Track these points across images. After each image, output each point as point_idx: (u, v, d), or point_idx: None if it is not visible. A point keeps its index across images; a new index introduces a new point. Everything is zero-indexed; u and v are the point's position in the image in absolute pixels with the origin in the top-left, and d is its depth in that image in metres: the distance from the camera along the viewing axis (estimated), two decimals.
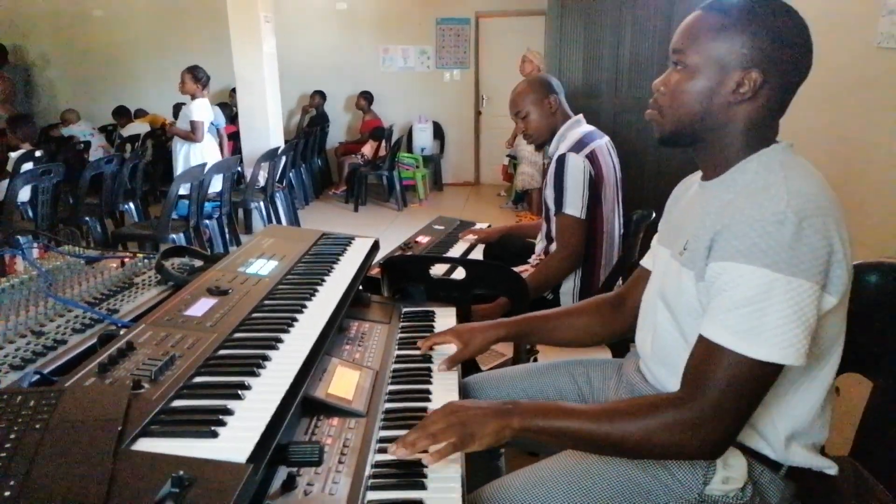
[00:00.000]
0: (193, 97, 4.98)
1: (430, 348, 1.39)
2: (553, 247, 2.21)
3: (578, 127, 2.21)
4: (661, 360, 1.16)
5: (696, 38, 1.03)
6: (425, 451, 1.00)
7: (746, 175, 1.02)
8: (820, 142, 2.35)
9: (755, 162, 1.02)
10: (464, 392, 1.32)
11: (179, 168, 5.01)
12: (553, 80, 2.30)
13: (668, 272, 1.12)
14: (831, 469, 1.07)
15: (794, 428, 1.04)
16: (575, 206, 2.08)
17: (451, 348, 1.38)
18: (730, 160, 1.05)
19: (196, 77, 4.98)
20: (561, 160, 2.09)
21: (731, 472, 1.03)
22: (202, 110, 4.98)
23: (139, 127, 7.37)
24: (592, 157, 2.11)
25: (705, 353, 0.96)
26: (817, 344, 0.98)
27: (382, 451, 1.05)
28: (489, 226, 2.85)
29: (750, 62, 1.00)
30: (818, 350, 1.00)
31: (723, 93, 1.02)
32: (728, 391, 0.94)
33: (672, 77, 1.07)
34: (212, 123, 5.92)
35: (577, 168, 2.07)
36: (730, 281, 0.93)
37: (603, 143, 2.21)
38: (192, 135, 4.94)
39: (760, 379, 0.94)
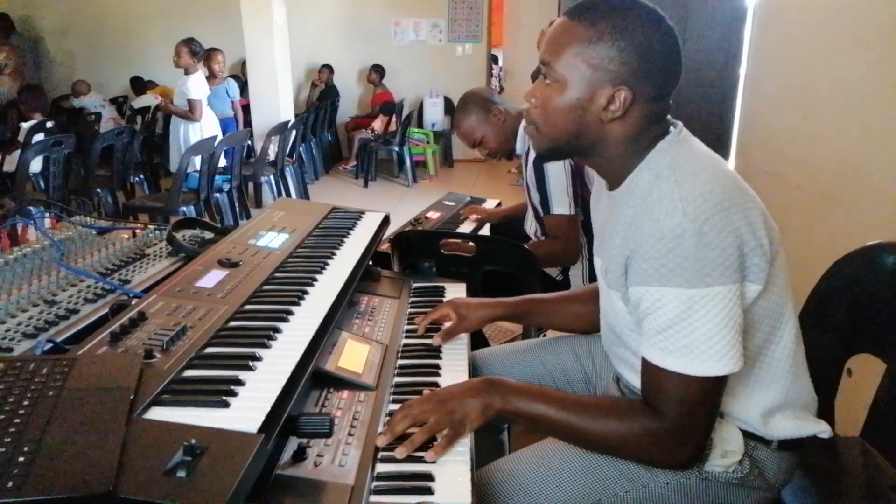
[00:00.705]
0: (187, 71, 4.77)
1: (428, 327, 1.38)
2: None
3: None
4: (625, 365, 1.17)
5: (561, 50, 0.99)
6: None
7: (641, 186, 1.00)
8: (837, 120, 2.31)
9: (646, 170, 1.00)
10: (472, 367, 1.32)
11: (181, 145, 4.89)
12: (485, 90, 2.24)
13: (602, 288, 1.13)
14: (824, 433, 1.07)
15: (767, 405, 1.04)
16: (563, 203, 2.04)
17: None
18: (623, 170, 1.03)
19: (192, 50, 4.76)
20: (539, 162, 2.05)
21: (728, 445, 1.03)
22: (199, 86, 4.79)
23: (149, 99, 7.36)
24: None
25: (652, 375, 0.97)
26: (760, 329, 0.99)
27: None
28: (499, 203, 2.83)
29: (618, 80, 0.96)
30: (764, 334, 1.00)
31: (592, 110, 0.99)
32: (682, 409, 0.95)
33: (542, 90, 1.03)
34: (227, 95, 5.89)
35: (556, 167, 2.03)
36: (651, 305, 0.94)
37: None
38: (190, 114, 4.78)
39: (708, 391, 0.94)
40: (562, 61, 0.99)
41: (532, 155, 2.08)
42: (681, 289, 0.90)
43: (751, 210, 0.94)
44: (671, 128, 1.04)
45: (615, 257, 1.01)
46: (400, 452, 0.97)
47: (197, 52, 4.81)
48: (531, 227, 2.29)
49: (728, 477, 1.04)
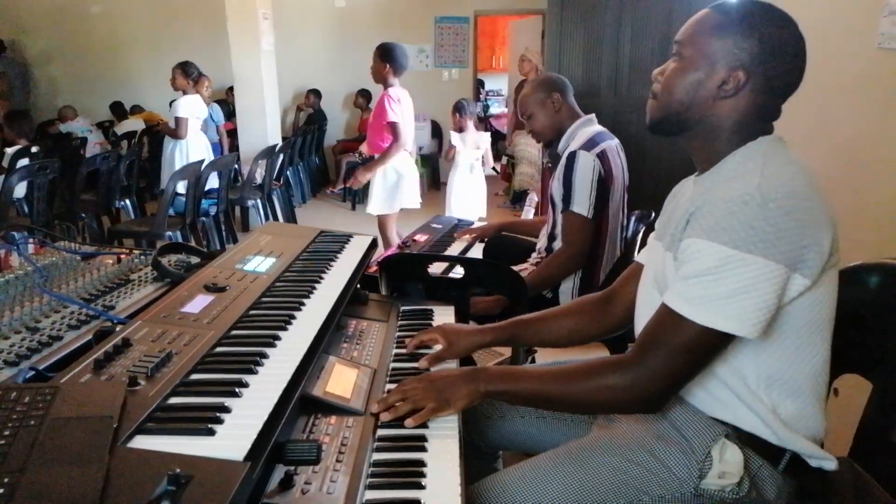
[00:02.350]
0: (184, 93, 4.90)
1: (417, 348, 1.39)
2: (556, 244, 2.20)
3: (589, 126, 2.21)
4: None
5: (696, 32, 1.09)
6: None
7: (729, 166, 1.07)
8: (819, 143, 2.34)
9: (740, 154, 1.07)
10: None
11: (166, 166, 4.94)
12: (559, 78, 2.31)
13: (660, 261, 1.15)
14: (830, 463, 1.07)
15: (792, 409, 1.04)
16: (582, 204, 2.07)
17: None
18: (718, 154, 1.10)
19: (186, 73, 4.90)
20: (571, 157, 2.09)
21: (727, 466, 1.03)
22: (189, 106, 4.88)
23: (133, 123, 7.35)
24: (603, 156, 2.10)
25: (660, 318, 1.03)
26: (796, 324, 1.01)
27: (381, 449, 1.05)
28: (479, 218, 2.86)
29: (737, 62, 1.05)
30: (802, 331, 1.02)
31: (709, 87, 1.07)
32: (672, 353, 1.00)
33: (669, 66, 1.12)
34: (211, 120, 5.90)
35: (587, 166, 2.06)
36: (691, 255, 0.99)
37: (613, 145, 2.21)
38: (174, 131, 4.85)
39: (704, 345, 0.99)
40: (692, 41, 1.09)
41: (568, 152, 2.12)
42: (724, 246, 0.95)
43: (823, 213, 0.99)
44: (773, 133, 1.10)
45: (681, 218, 1.06)
46: (384, 417, 1.09)
47: (191, 75, 4.92)
48: (541, 242, 2.32)
49: (724, 496, 1.04)
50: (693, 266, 0.99)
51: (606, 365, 1.07)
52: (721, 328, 0.96)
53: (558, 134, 2.24)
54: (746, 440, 1.05)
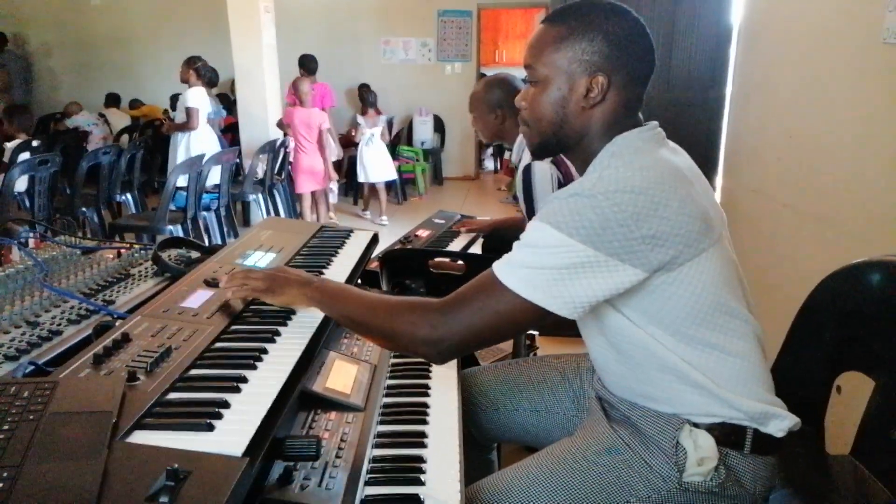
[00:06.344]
0: (190, 85, 4.94)
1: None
2: None
3: None
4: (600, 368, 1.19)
5: (541, 51, 1.08)
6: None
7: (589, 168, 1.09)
8: (823, 138, 2.33)
9: (598, 156, 1.07)
10: (461, 384, 1.31)
11: (179, 159, 4.97)
12: (503, 82, 2.21)
13: None
14: (789, 422, 1.06)
15: (725, 380, 1.04)
16: None
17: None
18: (592, 158, 1.10)
19: (194, 68, 4.96)
20: (527, 171, 2.06)
21: (702, 452, 1.04)
22: (198, 97, 4.93)
23: (120, 119, 7.34)
24: (559, 161, 2.07)
25: (481, 278, 1.04)
26: (705, 326, 1.02)
27: (380, 445, 1.05)
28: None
29: (593, 67, 1.05)
30: (697, 313, 1.02)
31: (574, 99, 1.07)
32: (465, 294, 1.02)
33: (529, 92, 1.12)
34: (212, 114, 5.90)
35: (544, 177, 2.04)
36: (524, 233, 1.02)
37: None
38: (187, 123, 4.89)
39: (511, 313, 0.99)
40: (542, 62, 1.08)
41: (522, 165, 2.10)
42: (549, 226, 0.96)
43: (669, 207, 0.96)
44: (639, 126, 1.09)
45: None
46: (224, 283, 1.20)
47: (199, 71, 4.99)
48: None
49: (708, 486, 1.05)
50: (522, 239, 1.01)
51: (417, 305, 1.07)
52: (528, 298, 0.96)
53: (499, 139, 2.24)
54: (707, 431, 1.05)
